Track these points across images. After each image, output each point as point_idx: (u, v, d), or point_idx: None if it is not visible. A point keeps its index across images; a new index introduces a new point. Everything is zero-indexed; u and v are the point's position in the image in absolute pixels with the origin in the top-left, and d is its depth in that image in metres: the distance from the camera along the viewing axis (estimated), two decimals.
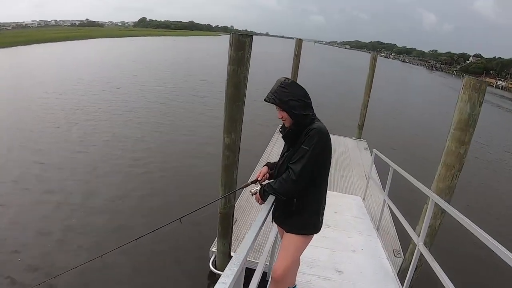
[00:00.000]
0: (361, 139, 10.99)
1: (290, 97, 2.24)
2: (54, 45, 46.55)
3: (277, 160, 2.60)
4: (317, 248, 4.00)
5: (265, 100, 2.32)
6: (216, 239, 4.54)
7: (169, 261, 5.11)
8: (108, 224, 5.91)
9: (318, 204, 2.44)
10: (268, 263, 3.49)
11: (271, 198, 2.39)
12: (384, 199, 4.76)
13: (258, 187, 2.51)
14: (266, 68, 30.41)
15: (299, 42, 10.63)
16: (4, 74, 21.38)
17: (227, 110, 3.70)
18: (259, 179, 2.60)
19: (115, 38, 72.53)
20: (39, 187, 7.03)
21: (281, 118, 2.36)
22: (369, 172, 6.24)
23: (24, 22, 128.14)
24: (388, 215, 5.73)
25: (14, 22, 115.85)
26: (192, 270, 4.93)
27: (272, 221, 2.67)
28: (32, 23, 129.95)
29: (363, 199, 6.09)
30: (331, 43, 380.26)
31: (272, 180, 2.47)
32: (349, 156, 9.24)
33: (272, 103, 2.30)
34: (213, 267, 4.54)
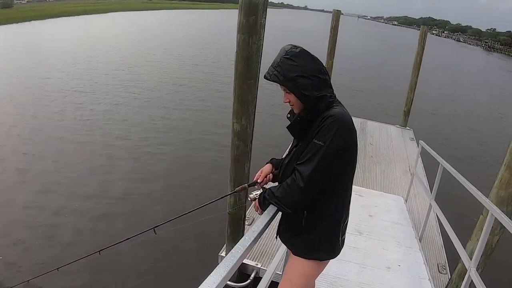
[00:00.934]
0: (407, 128, 10.41)
1: (299, 73, 1.73)
2: (70, 19, 47.47)
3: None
4: (344, 263, 3.67)
5: (264, 77, 1.85)
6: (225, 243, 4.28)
7: (173, 262, 5.07)
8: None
9: (338, 219, 1.93)
10: (280, 272, 3.30)
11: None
12: (430, 204, 4.33)
13: (259, 191, 2.05)
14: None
15: (336, 15, 10.04)
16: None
17: (236, 89, 3.33)
18: (259, 181, 2.13)
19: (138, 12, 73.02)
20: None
21: (288, 102, 1.88)
22: (414, 167, 5.77)
23: None
24: (435, 222, 5.21)
25: None
26: (198, 274, 4.75)
27: (276, 237, 2.21)
28: None
29: (406, 200, 5.59)
30: (376, 19, 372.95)
31: (276, 184, 2.01)
32: (391, 147, 8.73)
33: (275, 81, 1.79)
34: None
